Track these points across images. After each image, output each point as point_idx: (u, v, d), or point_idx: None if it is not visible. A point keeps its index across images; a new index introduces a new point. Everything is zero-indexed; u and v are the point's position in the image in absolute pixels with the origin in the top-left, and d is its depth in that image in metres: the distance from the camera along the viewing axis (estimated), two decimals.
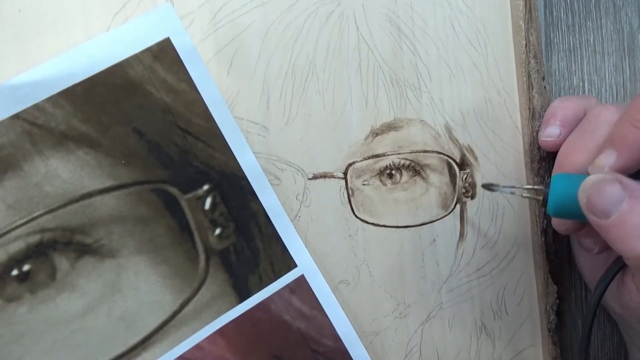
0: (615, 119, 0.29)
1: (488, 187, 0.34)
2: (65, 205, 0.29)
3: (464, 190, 0.35)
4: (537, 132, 0.35)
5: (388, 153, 0.34)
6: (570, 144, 0.32)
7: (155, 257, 0.30)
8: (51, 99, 0.28)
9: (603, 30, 0.39)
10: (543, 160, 0.36)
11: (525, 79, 0.35)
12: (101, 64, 0.29)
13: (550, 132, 0.33)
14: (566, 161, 0.31)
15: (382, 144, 0.34)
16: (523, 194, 0.33)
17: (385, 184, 0.34)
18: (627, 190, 0.27)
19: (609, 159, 0.28)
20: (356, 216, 0.34)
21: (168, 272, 0.30)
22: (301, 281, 0.32)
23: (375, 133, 0.34)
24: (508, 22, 0.36)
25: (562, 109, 0.34)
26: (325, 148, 0.33)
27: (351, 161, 0.34)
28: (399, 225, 0.34)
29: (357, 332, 0.33)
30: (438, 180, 0.35)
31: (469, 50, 0.35)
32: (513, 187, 0.34)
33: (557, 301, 0.37)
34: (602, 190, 0.27)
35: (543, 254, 0.37)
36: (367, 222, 0.34)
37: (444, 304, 0.35)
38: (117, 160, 0.29)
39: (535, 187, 0.33)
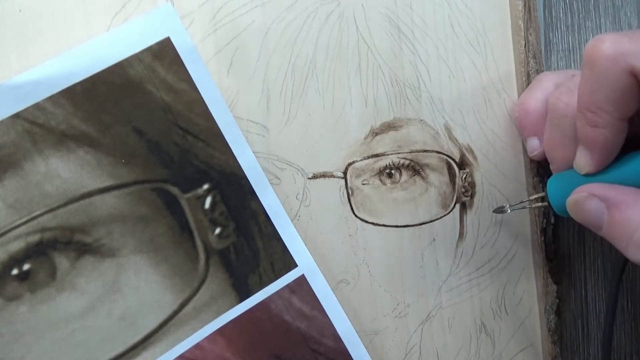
0: (572, 107, 0.28)
1: (499, 210, 0.35)
2: (65, 204, 0.29)
3: (463, 190, 0.35)
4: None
5: (388, 152, 0.34)
6: (548, 142, 0.31)
7: (156, 256, 0.30)
8: (52, 99, 0.28)
9: (602, 30, 0.39)
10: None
11: (524, 79, 0.35)
12: (101, 64, 0.29)
13: (531, 147, 0.34)
14: (553, 158, 0.31)
15: (382, 144, 0.34)
16: (533, 205, 0.34)
17: (384, 184, 0.34)
18: (605, 201, 0.27)
19: (585, 158, 0.28)
20: (356, 216, 0.34)
21: (168, 271, 0.30)
22: (301, 281, 0.33)
23: (375, 133, 0.34)
24: (507, 22, 0.36)
25: (525, 117, 0.34)
26: (325, 148, 0.33)
27: (351, 161, 0.34)
28: (399, 224, 0.35)
29: (356, 332, 0.33)
30: (437, 179, 0.35)
31: (469, 50, 0.35)
32: (521, 202, 0.35)
33: (557, 301, 0.37)
34: (582, 210, 0.28)
35: (543, 253, 0.37)
36: (366, 222, 0.34)
37: (444, 304, 0.35)
38: (117, 160, 0.29)
39: (537, 195, 0.33)
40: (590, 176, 0.29)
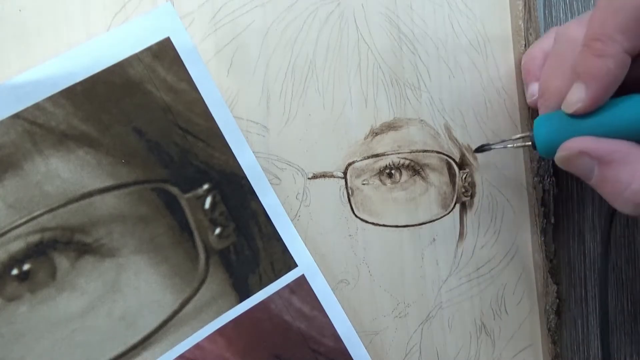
0: (579, 35, 0.28)
1: (480, 149, 0.34)
2: (65, 204, 0.29)
3: (463, 190, 0.35)
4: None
5: (388, 152, 0.34)
6: (547, 71, 0.31)
7: (156, 256, 0.30)
8: (52, 99, 0.28)
9: None
10: (542, 159, 0.36)
11: None
12: (101, 64, 0.29)
13: (531, 92, 0.34)
14: (547, 89, 0.30)
15: (382, 144, 0.34)
16: (515, 145, 0.33)
17: (384, 184, 0.34)
18: (596, 157, 0.27)
19: (579, 93, 0.27)
20: (356, 216, 0.34)
21: (168, 271, 0.30)
22: (301, 281, 0.33)
23: (375, 133, 0.34)
24: (507, 22, 0.36)
25: (531, 61, 0.33)
26: (325, 148, 0.33)
27: (351, 161, 0.34)
28: (399, 224, 0.35)
29: (357, 332, 0.33)
30: (437, 179, 0.35)
31: (469, 50, 0.35)
32: (503, 140, 0.34)
33: (557, 301, 0.37)
34: (572, 165, 0.28)
35: (543, 253, 0.37)
36: (366, 222, 0.34)
37: (444, 304, 0.35)
38: (117, 160, 0.29)
39: (522, 135, 0.33)
40: (578, 119, 0.28)
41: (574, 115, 0.28)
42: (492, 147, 0.34)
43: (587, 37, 0.26)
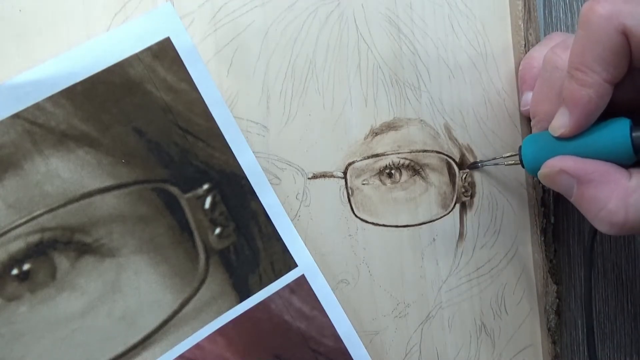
0: (565, 61, 0.29)
1: (472, 166, 0.35)
2: (65, 204, 0.29)
3: (463, 190, 0.35)
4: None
5: (388, 152, 0.34)
6: (536, 95, 0.32)
7: (156, 256, 0.30)
8: (52, 98, 0.28)
9: None
10: None
11: None
12: (101, 64, 0.29)
13: (525, 101, 0.34)
14: (536, 112, 0.31)
15: (382, 144, 0.34)
16: (506, 163, 0.34)
17: (384, 184, 0.34)
18: (575, 176, 0.28)
19: (563, 119, 0.28)
20: (356, 215, 0.34)
21: (168, 271, 0.30)
22: (301, 281, 0.33)
23: (375, 133, 0.34)
24: (507, 22, 0.36)
25: (527, 70, 0.34)
26: (325, 147, 0.33)
27: (351, 161, 0.34)
28: (399, 224, 0.35)
29: (356, 332, 0.33)
30: (437, 179, 0.35)
31: (469, 50, 0.35)
32: (494, 158, 0.35)
33: (557, 301, 0.37)
34: (553, 182, 0.29)
35: (543, 253, 0.37)
36: (366, 222, 0.34)
37: (444, 304, 0.35)
38: (117, 160, 0.29)
39: (512, 153, 0.34)
40: (563, 141, 0.29)
41: (559, 138, 0.29)
42: (484, 164, 0.35)
43: (570, 66, 0.27)
